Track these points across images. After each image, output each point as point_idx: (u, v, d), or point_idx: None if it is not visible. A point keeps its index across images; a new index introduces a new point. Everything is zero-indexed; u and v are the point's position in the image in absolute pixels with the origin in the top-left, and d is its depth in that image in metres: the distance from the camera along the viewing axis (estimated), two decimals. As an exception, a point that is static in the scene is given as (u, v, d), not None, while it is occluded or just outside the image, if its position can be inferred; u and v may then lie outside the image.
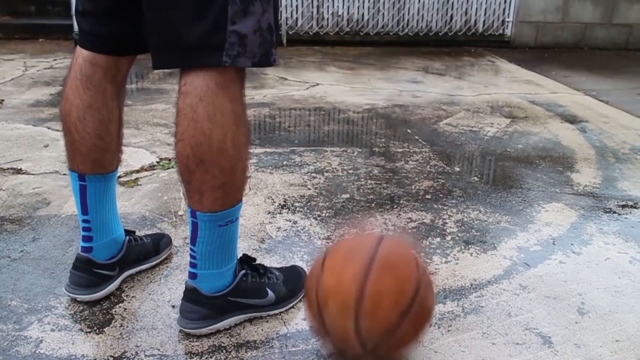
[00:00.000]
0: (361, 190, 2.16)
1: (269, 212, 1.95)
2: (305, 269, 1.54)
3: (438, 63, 4.61)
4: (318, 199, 2.07)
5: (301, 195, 2.09)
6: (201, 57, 1.12)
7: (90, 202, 1.37)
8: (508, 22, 5.40)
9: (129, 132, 2.69)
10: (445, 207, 2.04)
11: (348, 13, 5.10)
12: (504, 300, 1.49)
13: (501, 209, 2.04)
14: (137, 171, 2.25)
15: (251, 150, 2.50)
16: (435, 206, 2.05)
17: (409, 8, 5.17)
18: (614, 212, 2.05)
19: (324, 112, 3.16)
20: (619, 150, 2.70)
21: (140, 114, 2.97)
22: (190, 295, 1.30)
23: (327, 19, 5.08)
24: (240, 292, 1.34)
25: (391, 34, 5.22)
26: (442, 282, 1.57)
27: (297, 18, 5.01)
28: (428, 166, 2.42)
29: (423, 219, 1.94)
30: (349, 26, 5.13)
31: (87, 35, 1.30)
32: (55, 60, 4.16)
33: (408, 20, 5.22)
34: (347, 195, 2.11)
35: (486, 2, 5.29)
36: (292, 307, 1.44)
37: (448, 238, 1.82)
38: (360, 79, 3.95)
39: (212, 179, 1.18)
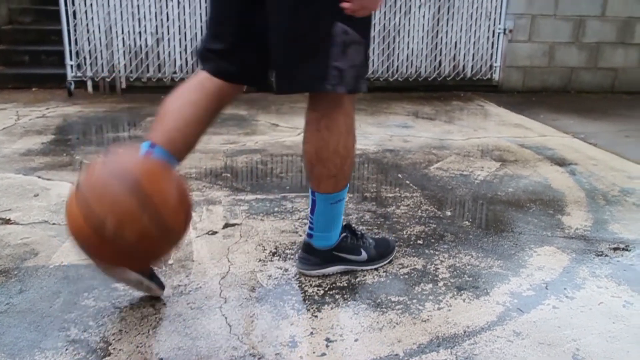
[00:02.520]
0: (353, 236, 2.15)
1: (260, 260, 1.93)
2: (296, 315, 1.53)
3: (428, 108, 4.67)
4: (309, 245, 2.06)
5: (292, 242, 2.08)
6: (311, 85, 1.55)
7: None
8: (496, 67, 5.50)
9: (120, 180, 2.68)
10: (437, 252, 2.03)
11: (338, 60, 5.18)
12: (498, 347, 1.47)
13: (493, 254, 2.04)
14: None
15: (244, 197, 2.51)
16: (427, 251, 2.04)
17: (398, 54, 5.26)
18: (606, 255, 2.04)
19: (315, 157, 3.17)
20: (609, 193, 2.71)
21: (131, 162, 2.97)
22: (306, 247, 1.82)
23: (318, 65, 5.15)
24: (341, 248, 1.83)
25: (381, 79, 5.30)
26: (435, 329, 1.55)
27: (288, 65, 5.09)
28: (419, 211, 2.42)
29: (415, 265, 1.93)
30: (340, 72, 5.20)
31: (208, 65, 1.64)
32: (47, 109, 4.19)
33: (398, 66, 5.30)
34: (339, 242, 2.10)
35: (474, 48, 5.40)
36: (381, 266, 1.90)
37: (440, 284, 1.80)
38: (351, 124, 3.98)
39: (328, 171, 1.66)
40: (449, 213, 2.41)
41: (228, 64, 1.62)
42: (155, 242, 1.32)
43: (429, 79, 5.38)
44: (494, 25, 5.39)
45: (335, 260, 1.84)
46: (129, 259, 1.35)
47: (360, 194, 2.62)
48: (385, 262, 1.93)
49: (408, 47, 5.27)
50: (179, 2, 4.76)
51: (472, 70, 5.45)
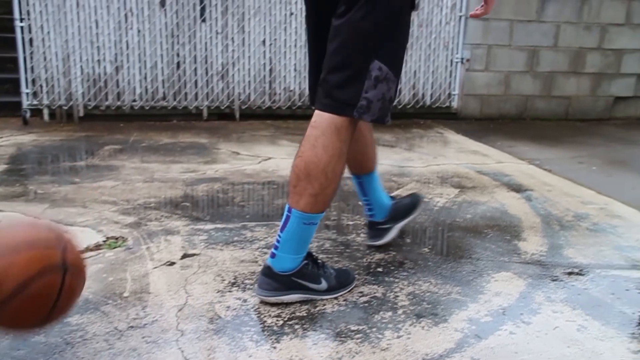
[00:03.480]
0: (313, 265, 2.14)
1: (219, 291, 1.91)
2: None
3: (388, 135, 4.73)
4: (269, 275, 2.04)
5: (252, 272, 2.06)
6: (342, 109, 1.72)
7: (366, 189, 2.25)
8: (454, 95, 5.61)
9: (75, 210, 2.63)
10: (396, 280, 2.04)
11: (300, 88, 5.22)
12: (456, 375, 1.48)
13: (452, 280, 2.05)
14: (82, 252, 2.18)
15: (204, 227, 2.48)
16: (386, 279, 2.04)
17: (358, 83, 5.33)
18: (561, 280, 2.08)
19: (275, 186, 3.17)
20: (563, 218, 2.78)
21: (87, 192, 2.91)
22: (266, 271, 1.83)
23: (280, 93, 5.18)
24: (301, 275, 1.84)
25: (342, 107, 5.35)
26: (394, 358, 1.54)
27: (249, 93, 5.10)
28: (379, 238, 2.43)
29: (375, 293, 1.93)
30: (301, 100, 5.24)
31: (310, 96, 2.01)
32: (1, 138, 4.09)
33: (358, 94, 5.37)
34: (299, 271, 2.09)
35: (433, 77, 5.51)
36: (340, 295, 1.91)
37: (400, 312, 1.81)
38: (312, 152, 4.00)
39: (312, 188, 1.74)
40: (408, 240, 2.43)
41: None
42: None
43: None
44: (452, 54, 5.52)
45: (294, 287, 1.84)
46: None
47: (321, 222, 2.61)
48: (345, 292, 1.94)
49: (368, 76, 5.35)
50: (138, 31, 4.75)
51: (431, 99, 5.56)
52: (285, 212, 1.80)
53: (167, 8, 4.77)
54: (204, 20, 4.88)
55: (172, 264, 2.11)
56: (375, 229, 2.31)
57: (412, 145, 4.39)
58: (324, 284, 1.88)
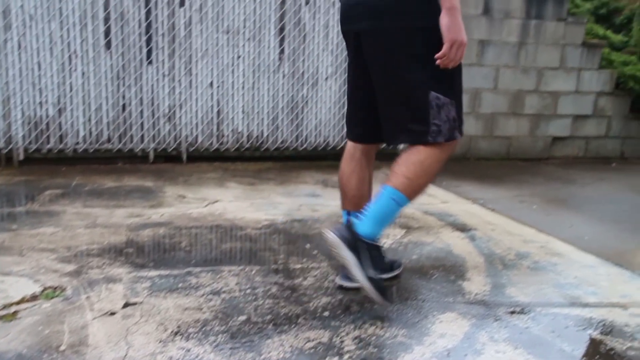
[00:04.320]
0: (259, 311, 2.11)
1: (161, 341, 1.85)
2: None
3: (336, 176, 4.74)
4: (214, 322, 2.00)
5: (196, 320, 2.02)
6: (419, 139, 2.07)
7: None
8: (400, 136, 5.73)
9: (11, 259, 2.53)
10: (343, 324, 2.03)
11: (248, 130, 5.23)
12: (402, 421, 1.47)
13: (398, 322, 2.06)
14: (17, 303, 2.10)
15: (147, 273, 2.42)
16: (333, 323, 2.03)
17: (306, 124, 5.39)
18: (503, 319, 2.12)
19: (222, 229, 3.14)
20: (506, 257, 2.84)
21: (25, 239, 2.81)
22: (349, 223, 2.12)
23: (228, 135, 5.18)
24: (369, 249, 2.05)
25: (290, 149, 5.39)
26: (339, 406, 1.53)
27: (197, 135, 5.07)
28: (326, 281, 2.43)
29: (321, 338, 1.92)
30: (249, 142, 5.25)
31: (350, 134, 2.36)
32: None
33: (306, 135, 5.42)
34: (244, 317, 2.06)
35: (379, 118, 5.62)
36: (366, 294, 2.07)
37: (346, 357, 1.79)
38: (260, 194, 3.99)
39: (408, 172, 2.05)
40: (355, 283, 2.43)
41: (361, 131, 2.31)
42: None
43: (337, 148, 5.51)
44: (397, 96, 5.65)
45: (355, 251, 2.02)
46: None
47: (268, 266, 2.60)
48: (371, 294, 2.05)
49: (316, 117, 5.42)
50: (83, 73, 4.69)
51: (378, 139, 5.65)
52: (380, 189, 2.10)
53: (113, 50, 4.74)
54: (150, 63, 4.86)
55: (113, 313, 2.04)
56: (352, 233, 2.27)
57: (359, 186, 4.43)
58: (370, 272, 2.04)
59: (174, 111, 4.98)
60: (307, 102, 5.36)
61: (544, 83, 6.12)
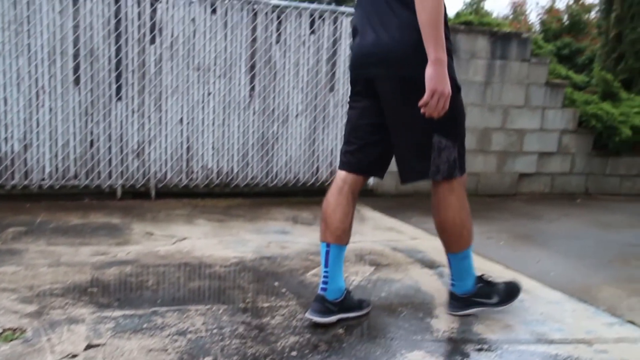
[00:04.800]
0: (225, 351, 2.08)
1: (123, 384, 1.80)
2: None
3: (306, 212, 4.77)
4: (178, 364, 1.96)
5: (160, 362, 1.97)
6: (420, 176, 2.32)
7: (330, 260, 2.38)
8: (370, 172, 5.77)
9: (-30, 300, 2.45)
10: (310, 364, 2.01)
11: (218, 166, 5.22)
12: None
13: (366, 362, 2.04)
14: (-26, 346, 2.03)
15: (111, 314, 2.37)
16: (300, 364, 2.01)
17: (277, 161, 5.40)
18: (471, 357, 2.12)
19: (190, 267, 3.10)
20: (474, 294, 2.85)
21: (-15, 279, 2.73)
22: (450, 295, 2.52)
23: (197, 171, 5.16)
24: (478, 295, 2.51)
25: (260, 185, 5.38)
26: None
27: (166, 171, 5.04)
28: (294, 320, 2.40)
29: (288, 379, 1.89)
30: (219, 178, 5.23)
31: (344, 164, 2.44)
32: None
33: (277, 172, 5.43)
34: (211, 358, 2.02)
35: (349, 155, 5.66)
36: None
37: (313, 398, 1.77)
38: (229, 231, 3.96)
39: (451, 237, 2.40)
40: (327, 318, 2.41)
41: (356, 160, 2.40)
42: None
43: (308, 184, 5.54)
44: (367, 133, 5.71)
45: (473, 304, 2.48)
46: None
47: (235, 305, 2.56)
48: (513, 301, 2.56)
49: (287, 154, 5.44)
50: (50, 109, 4.65)
51: (348, 176, 5.68)
52: (447, 257, 2.48)
53: (82, 86, 4.71)
54: (120, 99, 4.84)
55: (75, 356, 1.99)
56: (324, 304, 2.35)
57: (329, 222, 4.43)
58: (495, 298, 2.49)
59: (143, 147, 4.95)
60: (277, 138, 5.39)
61: (509, 121, 6.27)
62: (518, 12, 22.14)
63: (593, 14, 17.41)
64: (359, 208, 5.08)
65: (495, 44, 6.05)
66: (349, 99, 2.49)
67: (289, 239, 3.83)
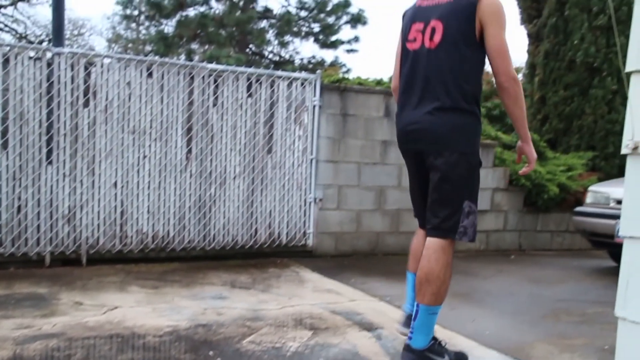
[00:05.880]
0: None
1: None
2: None
3: (244, 276, 4.69)
4: None
5: None
6: (447, 234, 2.56)
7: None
8: (309, 233, 5.78)
9: None
10: None
11: (153, 230, 5.10)
12: None
13: None
14: None
15: None
16: None
17: (214, 223, 5.33)
18: None
19: (120, 339, 2.96)
20: (411, 356, 2.84)
21: None
22: (407, 347, 2.60)
23: (131, 236, 5.02)
24: (432, 350, 2.60)
25: (197, 248, 5.28)
26: None
27: (98, 237, 4.88)
28: (228, 392, 2.32)
29: None
30: (154, 243, 5.10)
31: (420, 223, 2.87)
32: None
33: (214, 235, 5.35)
34: None
35: (288, 216, 5.66)
36: None
37: None
38: (163, 298, 3.84)
39: (431, 288, 2.52)
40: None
41: (424, 219, 2.75)
42: None
43: (246, 247, 5.47)
44: (305, 195, 5.75)
45: (426, 359, 2.58)
46: None
47: (167, 377, 2.46)
48: None
49: (224, 216, 5.38)
50: (-24, 174, 4.47)
51: (287, 237, 5.67)
52: (415, 308, 2.58)
53: (10, 150, 4.57)
54: (50, 163, 4.71)
55: None
56: (413, 351, 2.63)
57: (268, 286, 4.38)
58: (446, 358, 2.61)
59: (75, 212, 4.80)
60: (214, 201, 5.34)
61: (444, 180, 6.43)
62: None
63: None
64: (297, 270, 5.06)
65: (428, 107, 6.27)
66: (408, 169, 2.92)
67: (226, 304, 3.74)
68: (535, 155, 2.69)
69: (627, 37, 2.12)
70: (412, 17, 2.68)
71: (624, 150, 2.01)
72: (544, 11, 8.89)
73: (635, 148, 1.99)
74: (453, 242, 2.58)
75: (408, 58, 2.66)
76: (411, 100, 2.63)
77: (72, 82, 4.74)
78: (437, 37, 2.53)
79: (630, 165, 2.02)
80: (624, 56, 2.08)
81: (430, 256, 2.54)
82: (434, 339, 2.63)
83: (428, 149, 2.60)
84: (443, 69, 2.51)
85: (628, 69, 2.10)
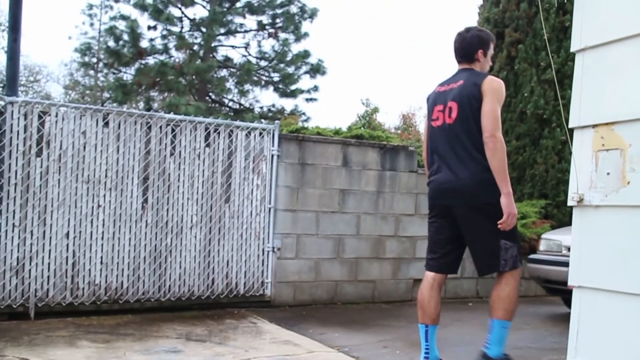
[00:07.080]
0: None
1: None
2: None
3: (200, 328, 4.58)
4: None
5: None
6: (493, 269, 3.27)
7: (429, 337, 3.32)
8: (267, 282, 5.71)
9: None
10: None
11: (106, 281, 4.96)
12: None
13: None
14: None
15: None
16: None
17: (170, 274, 5.22)
18: None
19: (67, 398, 2.84)
20: (369, 410, 2.80)
21: None
22: (484, 355, 3.18)
23: (83, 288, 4.87)
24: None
25: (152, 300, 5.14)
26: None
27: (48, 289, 4.72)
28: None
29: None
30: (107, 294, 4.96)
31: (432, 267, 3.40)
32: None
33: (170, 285, 5.23)
34: None
35: (245, 265, 5.59)
36: None
37: None
38: (115, 353, 3.71)
39: (502, 306, 3.17)
40: None
41: (439, 264, 3.37)
42: None
43: (203, 297, 5.37)
44: (263, 244, 5.71)
45: None
46: None
47: None
48: None
49: (180, 266, 5.29)
50: None
51: (245, 287, 5.59)
52: (490, 323, 3.20)
53: (-43, 200, 4.42)
54: (-1, 213, 4.57)
55: None
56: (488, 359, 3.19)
57: (224, 338, 4.28)
58: None
59: (23, 264, 4.64)
60: (170, 251, 5.25)
61: (402, 228, 6.51)
62: (408, 123, 23.66)
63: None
64: (255, 321, 4.98)
65: (385, 156, 6.38)
66: (428, 219, 3.49)
67: (180, 358, 3.64)
68: (511, 209, 3.11)
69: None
70: (434, 101, 3.41)
71: (570, 203, 2.08)
72: (494, 65, 9.25)
73: (580, 200, 2.06)
74: (517, 271, 3.23)
75: (434, 133, 3.36)
76: (441, 165, 3.30)
77: (25, 131, 4.67)
78: (454, 114, 3.23)
79: (576, 216, 2.09)
80: (568, 112, 2.18)
81: (500, 281, 3.22)
82: (506, 355, 3.19)
83: (461, 202, 3.22)
84: (461, 138, 3.19)
85: (571, 125, 2.19)
